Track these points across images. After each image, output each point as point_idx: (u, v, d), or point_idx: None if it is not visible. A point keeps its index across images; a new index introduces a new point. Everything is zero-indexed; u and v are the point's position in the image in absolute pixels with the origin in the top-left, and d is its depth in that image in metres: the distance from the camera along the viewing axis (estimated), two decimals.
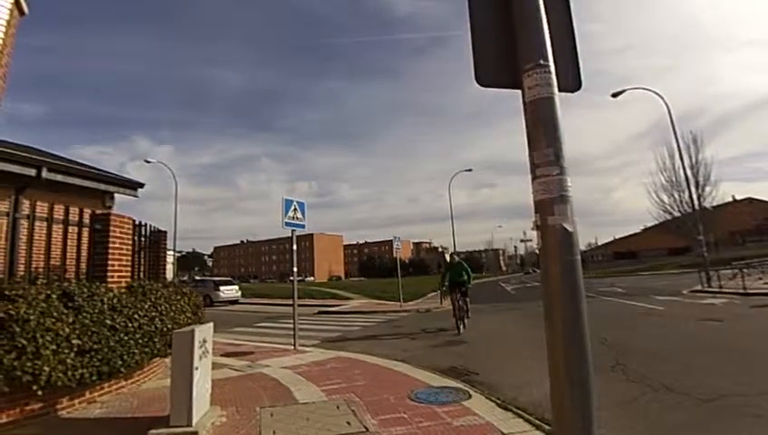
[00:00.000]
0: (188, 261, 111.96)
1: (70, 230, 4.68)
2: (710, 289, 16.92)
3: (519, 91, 1.79)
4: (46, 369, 3.64)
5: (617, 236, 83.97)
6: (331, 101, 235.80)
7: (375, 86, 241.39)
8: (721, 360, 5.77)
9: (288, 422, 3.78)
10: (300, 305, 9.98)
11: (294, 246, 8.33)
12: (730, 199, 42.65)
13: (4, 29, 4.02)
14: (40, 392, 3.69)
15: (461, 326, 9.82)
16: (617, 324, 9.56)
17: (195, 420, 3.48)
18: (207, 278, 34.38)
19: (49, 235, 4.44)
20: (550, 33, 1.78)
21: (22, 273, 4.30)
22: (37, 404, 3.85)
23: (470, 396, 4.43)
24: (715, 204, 27.32)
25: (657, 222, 32.25)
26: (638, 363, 5.67)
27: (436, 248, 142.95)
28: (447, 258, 9.00)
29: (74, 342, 3.92)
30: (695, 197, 23.54)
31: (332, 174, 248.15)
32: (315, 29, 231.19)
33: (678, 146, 20.98)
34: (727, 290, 15.82)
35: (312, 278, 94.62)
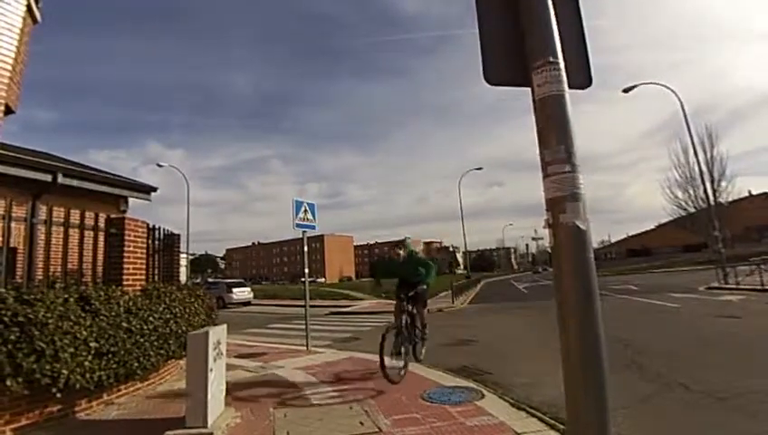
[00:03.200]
0: (201, 263, 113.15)
1: (86, 235, 4.76)
2: (727, 286, 16.64)
3: (529, 89, 1.79)
4: (65, 371, 3.70)
5: (630, 234, 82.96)
6: (339, 101, 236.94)
7: (384, 86, 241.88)
8: (738, 357, 5.67)
9: (301, 423, 3.80)
10: (311, 306, 10.02)
11: (306, 248, 8.37)
12: (746, 194, 41.82)
13: (17, 37, 4.09)
14: (59, 395, 3.75)
15: (403, 361, 5.25)
16: (632, 322, 9.44)
17: (210, 422, 3.51)
18: (220, 280, 34.69)
19: (66, 239, 4.51)
20: (558, 29, 1.77)
21: (40, 277, 4.39)
22: (56, 406, 3.92)
23: (483, 396, 4.41)
24: (730, 199, 26.87)
25: (671, 218, 31.82)
26: (653, 362, 5.60)
27: (446, 248, 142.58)
28: (401, 252, 6.09)
29: (92, 344, 3.99)
30: (710, 192, 23.18)
31: (342, 175, 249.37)
32: (324, 31, 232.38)
33: (692, 141, 20.74)
34: (744, 286, 15.53)
35: (323, 279, 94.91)
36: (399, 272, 6.08)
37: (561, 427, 3.44)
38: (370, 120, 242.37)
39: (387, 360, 4.87)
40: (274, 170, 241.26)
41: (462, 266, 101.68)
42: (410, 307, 5.64)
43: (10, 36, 4.02)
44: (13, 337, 3.41)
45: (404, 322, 5.36)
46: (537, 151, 1.72)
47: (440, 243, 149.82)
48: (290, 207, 8.17)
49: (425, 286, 5.76)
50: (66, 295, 4.01)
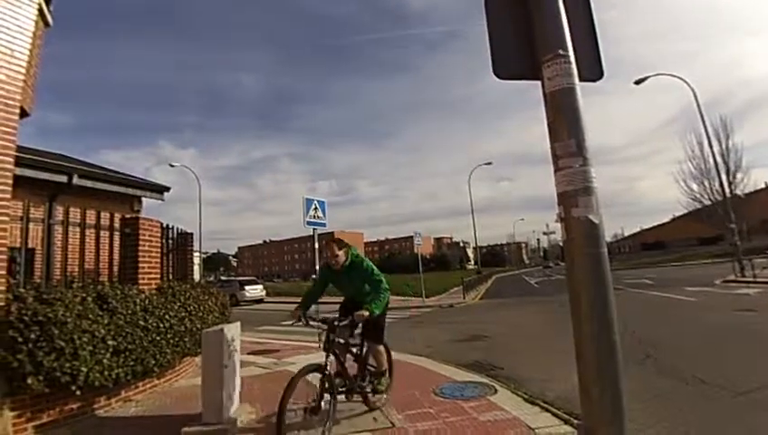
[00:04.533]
0: (214, 262, 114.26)
1: (101, 235, 4.84)
2: (743, 279, 16.34)
3: (539, 82, 1.77)
4: (84, 369, 3.78)
5: (644, 227, 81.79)
6: (348, 99, 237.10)
7: (392, 82, 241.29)
8: (756, 351, 5.57)
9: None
10: (323, 303, 10.08)
11: (317, 245, 8.41)
12: (762, 186, 40.92)
13: (30, 40, 4.16)
14: (78, 392, 3.83)
15: (323, 427, 3.36)
16: (647, 317, 9.33)
17: (226, 418, 3.56)
18: (233, 278, 35.06)
19: (82, 239, 4.59)
20: (568, 22, 1.75)
21: (58, 277, 4.47)
22: (76, 404, 4.00)
23: (496, 391, 4.41)
24: (746, 191, 26.32)
25: (686, 211, 31.20)
26: (669, 356, 5.54)
27: (457, 243, 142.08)
28: (339, 254, 3.86)
29: (110, 343, 4.06)
30: (725, 184, 22.69)
31: (352, 172, 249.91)
32: (331, 29, 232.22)
33: (707, 132, 20.27)
34: (762, 279, 15.25)
35: None
36: (338, 286, 4.16)
37: (576, 422, 3.42)
38: (379, 117, 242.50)
39: (298, 413, 3.35)
40: (285, 169, 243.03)
41: (472, 262, 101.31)
42: (346, 338, 3.84)
43: (23, 39, 4.09)
44: (33, 336, 3.48)
45: (331, 363, 3.38)
46: (548, 145, 1.70)
47: (450, 238, 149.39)
48: (300, 205, 8.22)
49: (377, 305, 3.72)
50: (84, 295, 4.09)
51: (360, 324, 3.70)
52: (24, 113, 4.59)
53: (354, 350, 3.96)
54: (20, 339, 3.43)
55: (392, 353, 4.51)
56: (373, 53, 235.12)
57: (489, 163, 37.49)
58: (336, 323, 3.62)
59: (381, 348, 4.12)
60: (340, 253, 3.87)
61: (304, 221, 8.19)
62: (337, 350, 3.62)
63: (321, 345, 3.88)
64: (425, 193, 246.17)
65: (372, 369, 4.10)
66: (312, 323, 3.67)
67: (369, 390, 3.98)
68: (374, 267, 4.00)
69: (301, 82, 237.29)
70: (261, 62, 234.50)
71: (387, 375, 4.20)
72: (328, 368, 3.34)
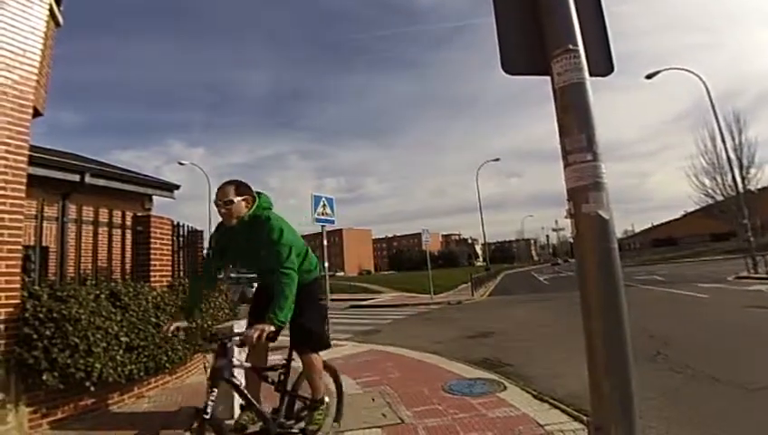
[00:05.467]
0: None
1: (114, 232, 4.90)
2: (756, 275, 16.12)
3: (548, 78, 1.76)
4: (98, 366, 3.83)
5: (655, 223, 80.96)
6: (355, 96, 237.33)
7: (399, 79, 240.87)
8: None
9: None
10: (332, 300, 10.13)
11: (325, 242, 8.44)
12: None
13: (42, 40, 4.21)
14: (92, 388, 3.88)
15: None
16: (658, 313, 9.24)
17: (236, 414, 3.60)
18: (242, 275, 35.23)
19: (95, 237, 4.65)
20: (578, 16, 1.73)
21: (71, 274, 4.54)
22: (90, 400, 4.06)
23: (505, 388, 4.40)
24: (760, 186, 25.94)
25: (698, 207, 30.82)
26: (681, 353, 5.48)
27: (465, 240, 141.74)
28: (224, 200, 2.53)
29: (123, 339, 4.12)
30: (738, 179, 22.35)
31: (359, 169, 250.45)
32: (338, 25, 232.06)
33: (719, 127, 19.98)
34: None
35: (342, 273, 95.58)
36: (235, 256, 2.94)
37: (585, 419, 3.40)
38: (387, 114, 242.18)
39: None
40: (293, 166, 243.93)
41: (481, 259, 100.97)
42: (260, 362, 2.81)
43: (35, 39, 4.13)
44: (48, 333, 3.54)
45: (213, 403, 2.23)
46: (557, 141, 1.69)
47: (458, 235, 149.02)
48: (308, 202, 8.26)
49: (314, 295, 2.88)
50: (97, 292, 4.15)
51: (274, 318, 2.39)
52: (36, 113, 4.66)
53: (270, 375, 2.77)
54: (35, 336, 3.49)
55: (399, 350, 4.42)
56: (381, 49, 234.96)
57: (497, 159, 37.25)
58: (227, 341, 2.39)
59: (317, 359, 2.81)
60: (237, 199, 2.54)
61: (313, 218, 8.22)
62: (234, 378, 2.44)
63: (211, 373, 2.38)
64: (433, 190, 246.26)
65: (305, 398, 2.89)
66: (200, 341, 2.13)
67: (297, 431, 2.80)
68: (284, 229, 2.59)
69: (308, 79, 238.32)
70: (269, 59, 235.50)
71: (326, 404, 2.94)
72: (209, 409, 2.17)
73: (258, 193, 2.75)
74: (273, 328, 2.35)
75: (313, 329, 2.82)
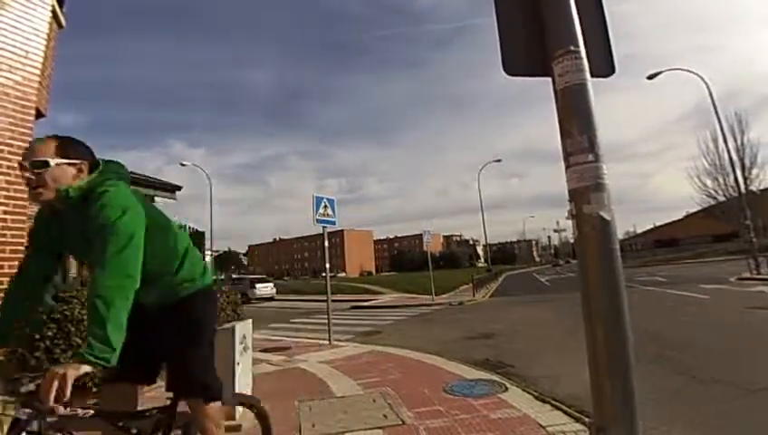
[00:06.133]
0: (225, 260, 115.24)
1: None
2: (759, 276, 16.07)
3: (549, 79, 1.76)
4: None
5: (657, 224, 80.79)
6: (356, 96, 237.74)
7: (400, 79, 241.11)
8: None
9: (326, 415, 3.86)
10: (333, 301, 10.13)
11: (326, 243, 8.45)
12: None
13: (44, 41, 4.23)
14: (95, 389, 3.89)
15: None
16: (659, 315, 9.23)
17: (238, 415, 3.60)
18: (244, 276, 35.33)
19: None
20: (579, 17, 1.73)
21: (74, 275, 4.55)
22: (92, 400, 4.06)
23: (506, 389, 4.40)
24: (762, 187, 25.90)
25: (700, 208, 30.79)
26: (682, 354, 5.47)
27: (466, 241, 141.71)
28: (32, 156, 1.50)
29: None
30: (740, 180, 22.33)
31: (360, 169, 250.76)
32: (339, 25, 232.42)
33: (722, 128, 19.90)
34: None
35: (343, 274, 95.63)
36: (76, 252, 1.96)
37: (587, 420, 3.40)
38: (387, 114, 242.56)
39: None
40: (294, 167, 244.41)
41: (482, 259, 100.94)
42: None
43: (37, 41, 4.16)
44: (50, 333, 3.56)
45: None
46: (559, 141, 1.69)
47: (460, 236, 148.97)
48: (310, 202, 8.26)
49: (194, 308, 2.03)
50: None
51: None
52: (39, 114, 4.67)
53: (139, 425, 1.83)
54: (37, 336, 3.50)
55: (401, 351, 4.36)
56: (381, 49, 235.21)
57: (498, 160, 37.34)
58: (25, 389, 1.47)
59: (211, 408, 2.01)
60: (58, 161, 1.61)
61: (314, 219, 8.23)
62: None
63: None
64: (434, 190, 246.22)
65: None
66: None
67: None
68: (128, 209, 1.60)
69: (309, 80, 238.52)
70: (270, 59, 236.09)
71: None
72: None
73: (106, 161, 1.82)
74: (85, 368, 1.33)
75: (194, 373, 1.93)
